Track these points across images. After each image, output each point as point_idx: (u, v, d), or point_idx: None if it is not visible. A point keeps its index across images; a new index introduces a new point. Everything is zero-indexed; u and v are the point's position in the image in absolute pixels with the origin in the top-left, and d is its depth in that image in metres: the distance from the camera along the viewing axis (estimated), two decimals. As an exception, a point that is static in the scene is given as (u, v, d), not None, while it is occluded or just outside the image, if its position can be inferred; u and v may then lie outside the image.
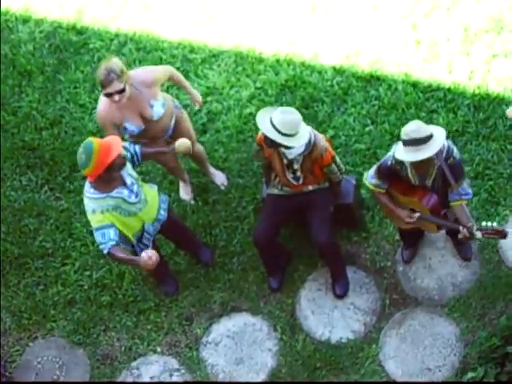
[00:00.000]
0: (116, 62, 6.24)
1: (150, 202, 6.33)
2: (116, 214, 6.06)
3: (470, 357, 6.66)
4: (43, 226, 7.55)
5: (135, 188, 6.15)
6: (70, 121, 7.98)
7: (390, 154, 6.04)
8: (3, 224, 7.58)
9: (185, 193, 7.48)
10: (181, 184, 7.47)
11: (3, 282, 7.36)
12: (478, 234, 5.91)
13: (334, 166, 6.49)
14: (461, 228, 5.98)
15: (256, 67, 8.01)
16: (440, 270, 7.00)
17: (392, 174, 6.09)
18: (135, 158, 6.25)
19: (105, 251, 6.04)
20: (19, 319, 7.24)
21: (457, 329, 6.77)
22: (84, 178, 7.57)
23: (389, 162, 6.04)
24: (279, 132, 6.10)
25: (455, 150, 5.96)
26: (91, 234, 7.41)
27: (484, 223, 5.87)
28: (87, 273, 7.32)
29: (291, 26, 8.17)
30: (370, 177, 6.21)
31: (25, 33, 8.49)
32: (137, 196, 6.17)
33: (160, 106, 6.51)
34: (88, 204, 6.03)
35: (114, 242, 6.01)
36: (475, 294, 6.87)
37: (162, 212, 6.48)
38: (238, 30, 8.23)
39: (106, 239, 6.01)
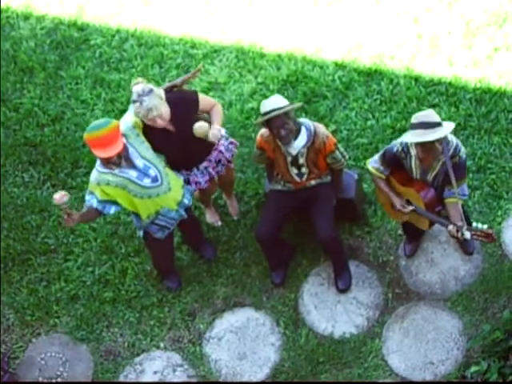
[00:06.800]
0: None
1: (174, 189, 6.35)
2: (124, 192, 6.18)
3: (473, 351, 6.66)
4: (45, 223, 7.55)
5: (152, 172, 6.19)
6: (71, 117, 7.98)
7: (397, 140, 6.07)
8: (5, 220, 7.58)
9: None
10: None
11: (6, 279, 7.36)
12: (467, 234, 5.86)
13: (337, 152, 6.49)
14: (451, 226, 5.98)
15: (257, 62, 8.00)
16: (442, 264, 6.99)
17: (395, 162, 6.13)
18: None
19: (84, 209, 6.29)
20: (22, 315, 7.24)
21: (460, 323, 6.77)
22: (85, 175, 7.62)
23: (395, 149, 6.08)
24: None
25: (462, 150, 5.97)
26: (94, 230, 7.43)
27: (475, 224, 5.83)
28: (90, 269, 7.32)
29: (293, 20, 8.17)
30: (373, 161, 6.25)
31: (26, 29, 8.49)
32: (155, 181, 6.20)
33: None
34: (93, 175, 6.18)
35: (94, 205, 6.24)
36: (478, 288, 6.86)
37: (188, 196, 6.54)
38: (240, 25, 8.22)
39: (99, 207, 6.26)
